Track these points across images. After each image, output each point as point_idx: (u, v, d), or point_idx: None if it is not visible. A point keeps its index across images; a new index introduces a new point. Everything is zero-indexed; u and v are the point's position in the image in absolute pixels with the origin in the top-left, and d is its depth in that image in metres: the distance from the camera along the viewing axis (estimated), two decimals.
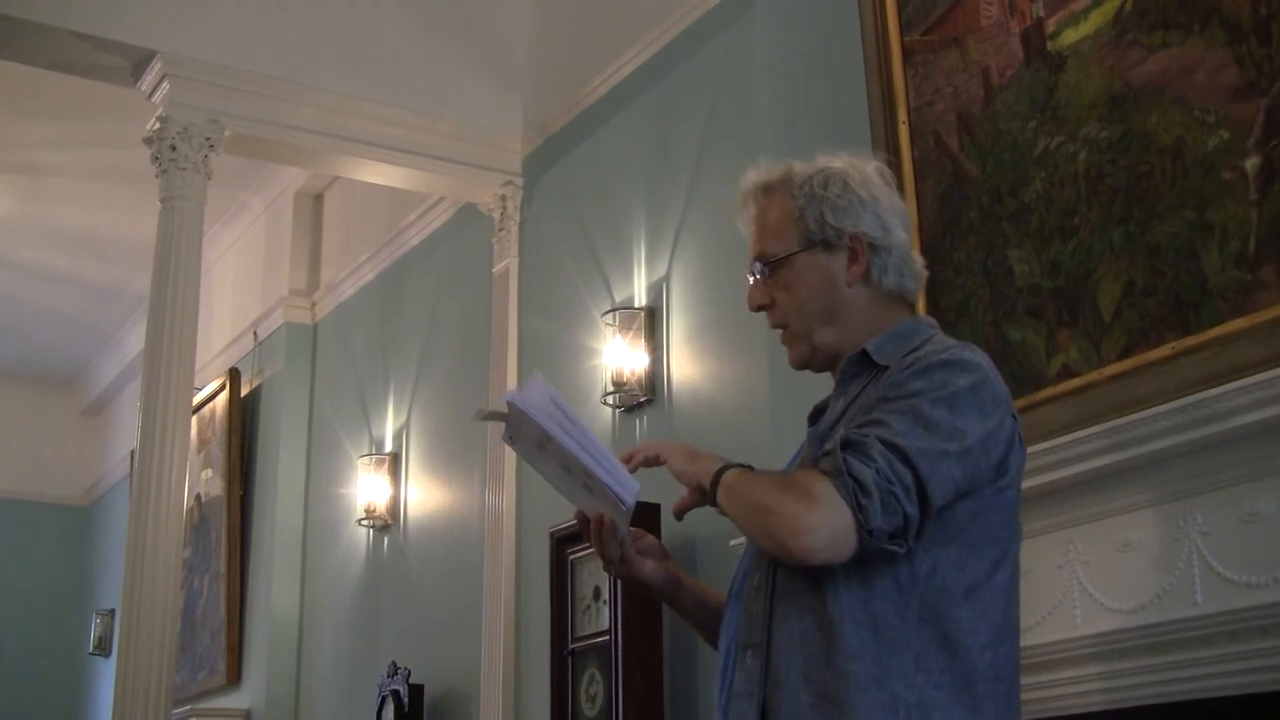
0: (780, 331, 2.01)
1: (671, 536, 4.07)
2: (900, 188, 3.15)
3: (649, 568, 2.03)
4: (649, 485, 4.55)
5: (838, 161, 2.00)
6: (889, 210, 1.97)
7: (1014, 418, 1.84)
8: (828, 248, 1.95)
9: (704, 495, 1.87)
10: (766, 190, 2.01)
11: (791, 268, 1.96)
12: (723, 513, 1.84)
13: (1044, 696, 2.69)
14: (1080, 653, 2.64)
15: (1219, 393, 2.39)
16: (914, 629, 1.73)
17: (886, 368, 1.86)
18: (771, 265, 1.98)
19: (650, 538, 2.07)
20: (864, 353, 1.91)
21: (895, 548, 1.71)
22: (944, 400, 1.75)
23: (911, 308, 2.01)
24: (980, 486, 1.77)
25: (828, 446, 1.75)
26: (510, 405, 1.88)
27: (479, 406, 5.02)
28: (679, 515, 1.93)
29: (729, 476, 1.83)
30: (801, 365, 2.01)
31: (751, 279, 2.02)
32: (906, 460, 1.70)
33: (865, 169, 2.00)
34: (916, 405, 1.75)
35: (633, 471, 1.93)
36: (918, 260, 2.00)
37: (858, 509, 1.68)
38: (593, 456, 1.88)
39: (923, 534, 1.74)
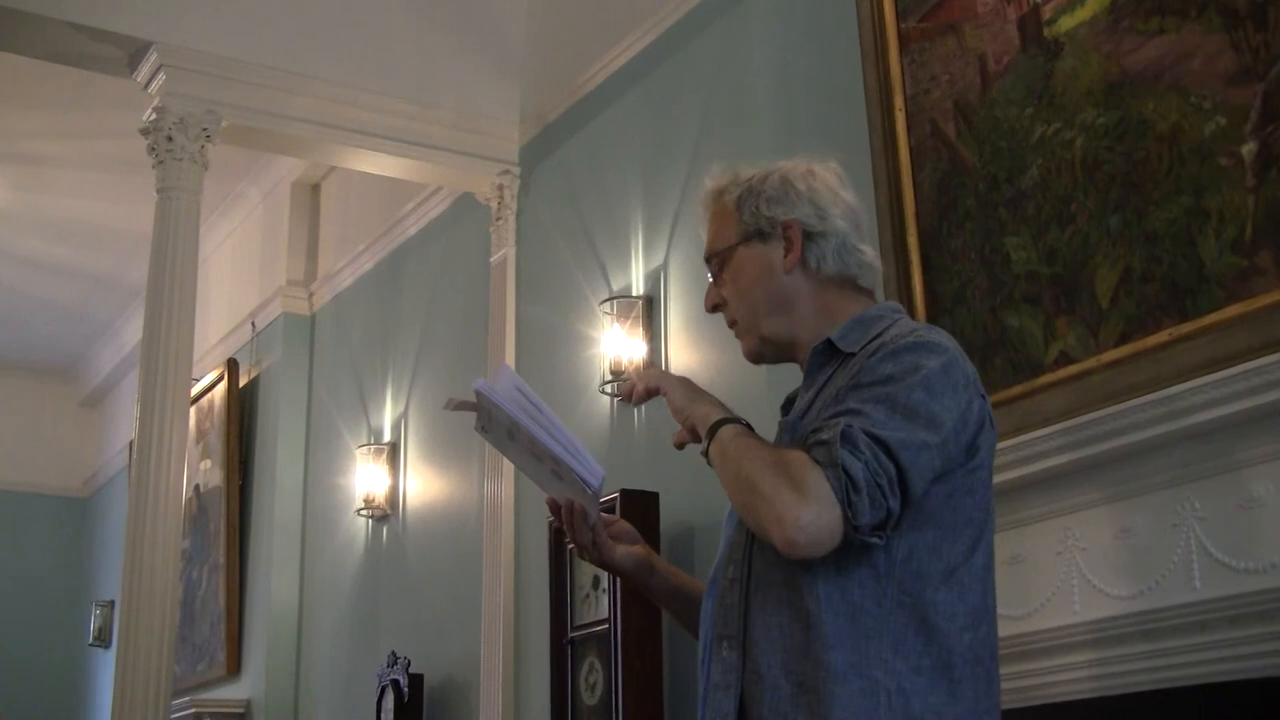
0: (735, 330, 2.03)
1: (671, 526, 4.08)
2: (897, 175, 3.17)
3: (620, 553, 2.05)
4: (647, 475, 4.53)
5: (788, 162, 2.02)
6: (829, 200, 1.97)
7: (983, 398, 1.83)
8: (763, 238, 1.97)
9: (698, 439, 1.88)
10: (717, 196, 2.03)
11: (732, 262, 1.99)
12: (710, 464, 1.84)
13: (1041, 683, 2.69)
14: (1078, 639, 2.64)
15: (1216, 379, 2.39)
16: (892, 614, 1.73)
17: (853, 354, 1.86)
18: (716, 263, 2.01)
19: (623, 523, 2.08)
20: (829, 342, 1.91)
21: (876, 540, 1.70)
22: (920, 384, 1.74)
23: (872, 297, 2.01)
24: (952, 470, 1.77)
25: (824, 436, 1.72)
26: (478, 393, 1.92)
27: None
28: (679, 446, 1.95)
29: (725, 434, 1.83)
30: (754, 358, 2.03)
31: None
32: (889, 452, 1.69)
33: (813, 167, 2.01)
34: (893, 393, 1.74)
35: (635, 404, 1.93)
36: (867, 251, 1.99)
37: (847, 504, 1.67)
38: (559, 443, 1.90)
39: (899, 520, 1.73)
